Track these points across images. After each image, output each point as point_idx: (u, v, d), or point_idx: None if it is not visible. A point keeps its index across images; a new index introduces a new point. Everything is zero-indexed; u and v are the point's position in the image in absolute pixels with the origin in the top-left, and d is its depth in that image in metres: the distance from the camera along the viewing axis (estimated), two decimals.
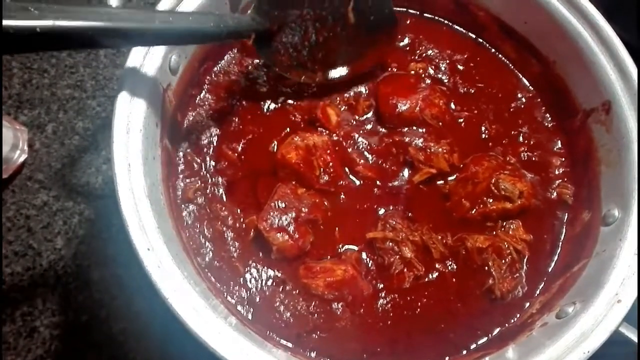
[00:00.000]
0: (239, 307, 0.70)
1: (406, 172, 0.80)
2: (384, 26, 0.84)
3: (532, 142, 0.85)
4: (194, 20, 0.68)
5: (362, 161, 0.79)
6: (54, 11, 0.53)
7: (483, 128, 0.84)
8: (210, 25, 0.68)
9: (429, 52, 0.90)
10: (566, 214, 0.81)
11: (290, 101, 0.83)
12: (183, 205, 0.75)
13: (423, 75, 0.87)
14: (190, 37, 0.69)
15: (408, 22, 0.93)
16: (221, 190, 0.76)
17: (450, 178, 0.80)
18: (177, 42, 0.71)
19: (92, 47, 0.62)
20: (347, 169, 0.79)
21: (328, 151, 0.77)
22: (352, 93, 0.84)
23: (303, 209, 0.73)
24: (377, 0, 0.81)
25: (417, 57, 0.89)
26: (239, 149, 0.79)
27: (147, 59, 0.68)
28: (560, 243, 0.79)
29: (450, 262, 0.75)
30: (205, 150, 0.78)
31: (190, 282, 0.60)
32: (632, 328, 0.65)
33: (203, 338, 0.57)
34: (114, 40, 0.60)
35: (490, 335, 0.73)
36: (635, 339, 0.65)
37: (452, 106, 0.85)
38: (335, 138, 0.79)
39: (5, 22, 0.49)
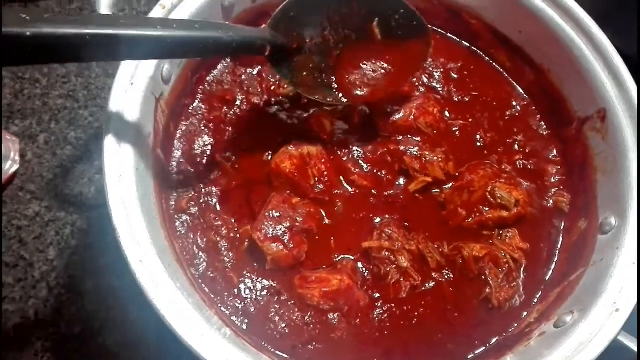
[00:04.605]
0: (233, 318, 0.69)
1: (402, 181, 0.79)
2: (413, 39, 0.78)
3: (527, 150, 0.85)
4: (199, 27, 0.62)
5: (357, 170, 0.78)
6: (51, 19, 0.50)
7: (478, 136, 0.84)
8: (219, 33, 0.63)
9: None
10: (563, 223, 0.81)
11: (284, 110, 0.82)
12: (176, 216, 0.74)
13: (417, 84, 0.87)
14: (196, 47, 0.63)
15: None
16: (215, 200, 0.76)
17: (446, 187, 0.79)
18: (180, 52, 0.65)
19: (88, 58, 0.59)
20: (342, 178, 0.78)
21: (323, 160, 0.76)
22: None
23: (298, 218, 0.73)
24: (403, 13, 0.76)
25: None
26: (233, 158, 0.78)
27: (139, 69, 0.68)
28: (557, 251, 0.79)
29: (446, 272, 0.75)
30: (198, 160, 0.78)
31: (183, 294, 0.60)
32: (630, 337, 0.65)
33: (197, 350, 0.56)
34: (111, 50, 0.55)
35: (488, 345, 0.72)
36: (635, 348, 0.64)
37: (447, 114, 0.85)
38: (330, 147, 0.79)
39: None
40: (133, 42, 0.56)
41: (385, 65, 0.79)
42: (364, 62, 0.79)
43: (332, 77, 0.78)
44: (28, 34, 0.47)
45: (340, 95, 0.79)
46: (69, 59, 0.56)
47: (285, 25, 0.71)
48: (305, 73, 0.75)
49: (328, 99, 0.78)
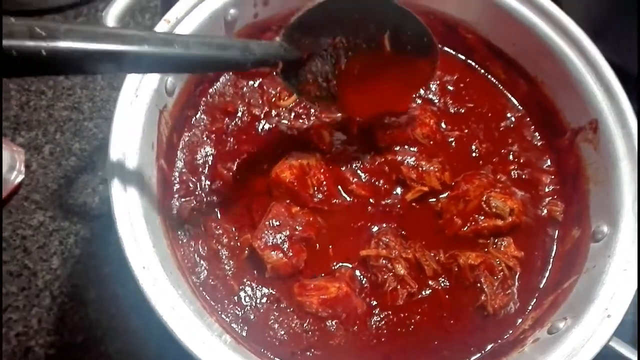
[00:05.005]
0: (233, 325, 0.70)
1: (399, 191, 0.81)
2: (422, 57, 0.78)
3: (522, 161, 0.86)
4: (216, 46, 0.62)
5: (355, 180, 0.80)
6: (67, 32, 0.48)
7: (473, 147, 0.86)
8: (234, 53, 0.63)
9: None
10: (556, 231, 0.82)
11: (284, 121, 0.84)
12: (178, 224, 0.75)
13: (414, 96, 0.89)
14: (211, 66, 0.65)
15: None
16: (216, 209, 0.77)
17: (442, 196, 0.81)
18: (195, 70, 0.67)
19: (104, 72, 0.57)
20: (340, 188, 0.80)
21: (322, 170, 0.78)
22: None
23: (297, 227, 0.74)
24: (415, 29, 0.76)
25: None
26: (234, 168, 0.80)
27: (143, 81, 0.70)
28: (551, 259, 0.80)
29: (443, 279, 0.76)
30: (200, 169, 0.79)
31: (185, 301, 0.61)
32: (630, 348, 0.66)
33: (198, 356, 0.57)
34: (125, 65, 0.55)
35: (483, 351, 0.73)
36: (635, 358, 0.65)
37: (443, 126, 0.87)
38: (329, 157, 0.80)
39: (7, 43, 0.45)
40: (150, 59, 0.56)
41: (390, 79, 0.79)
42: (369, 74, 0.78)
43: (336, 87, 0.77)
44: (44, 52, 0.47)
45: (342, 105, 0.79)
46: (84, 72, 0.55)
47: (299, 34, 0.71)
48: (311, 81, 0.75)
49: (332, 108, 0.80)
